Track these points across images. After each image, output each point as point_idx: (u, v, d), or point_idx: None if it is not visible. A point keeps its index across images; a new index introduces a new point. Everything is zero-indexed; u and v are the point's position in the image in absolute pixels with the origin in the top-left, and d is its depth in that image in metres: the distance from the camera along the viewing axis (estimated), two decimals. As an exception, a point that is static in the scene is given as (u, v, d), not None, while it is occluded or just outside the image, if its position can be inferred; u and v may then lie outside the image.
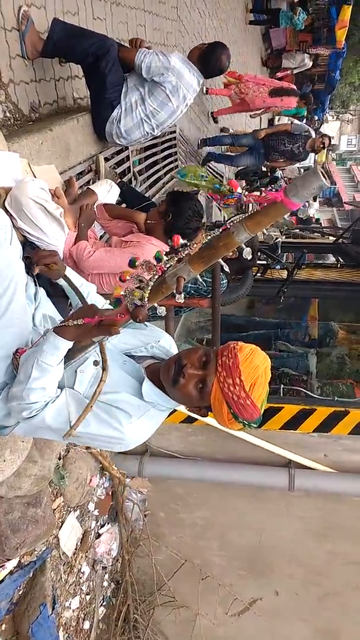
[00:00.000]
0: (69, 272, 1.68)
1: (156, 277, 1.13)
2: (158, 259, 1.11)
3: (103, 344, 1.30)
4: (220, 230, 1.14)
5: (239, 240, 1.13)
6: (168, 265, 1.12)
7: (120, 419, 1.38)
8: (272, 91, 6.54)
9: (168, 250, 1.13)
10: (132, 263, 1.12)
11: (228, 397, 1.35)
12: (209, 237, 1.15)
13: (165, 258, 1.11)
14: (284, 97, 6.56)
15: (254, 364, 1.37)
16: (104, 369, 1.25)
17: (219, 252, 1.17)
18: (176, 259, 1.12)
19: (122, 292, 1.13)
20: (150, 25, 4.88)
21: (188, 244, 1.13)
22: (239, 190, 1.06)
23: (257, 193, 1.11)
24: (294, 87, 7.24)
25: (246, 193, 1.07)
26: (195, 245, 1.14)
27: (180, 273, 1.19)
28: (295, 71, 13.18)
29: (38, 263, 1.60)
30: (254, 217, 1.09)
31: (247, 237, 1.12)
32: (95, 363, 1.38)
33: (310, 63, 12.78)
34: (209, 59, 3.15)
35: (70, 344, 1.29)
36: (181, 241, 1.12)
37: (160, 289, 1.22)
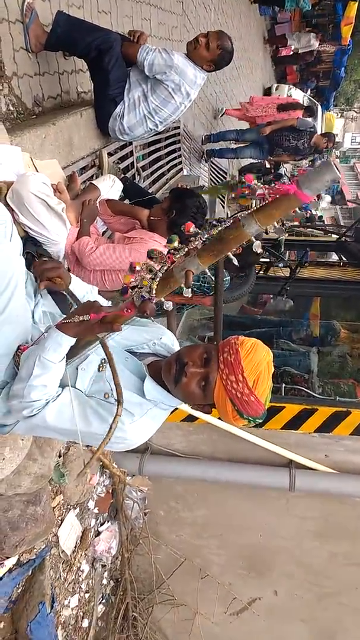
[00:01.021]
0: (74, 281, 1.63)
1: (165, 268, 1.10)
2: (170, 240, 1.08)
3: (114, 364, 1.27)
4: (230, 221, 1.12)
5: (250, 233, 1.10)
6: (177, 256, 1.10)
7: (122, 417, 1.36)
8: (279, 107, 6.99)
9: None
10: (150, 253, 1.09)
11: (232, 395, 1.33)
12: (218, 230, 1.12)
13: (177, 244, 1.08)
14: (290, 111, 6.89)
15: (256, 359, 1.35)
16: (119, 402, 1.21)
17: (229, 245, 1.14)
18: (185, 249, 1.10)
19: (132, 280, 1.10)
20: (155, 19, 4.84)
21: (199, 232, 1.10)
22: (254, 181, 1.03)
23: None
24: (299, 100, 7.65)
25: (260, 184, 1.04)
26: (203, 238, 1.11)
27: (189, 266, 1.16)
28: (300, 51, 12.90)
29: (42, 278, 1.54)
30: (265, 209, 1.07)
31: (257, 229, 1.10)
32: (106, 395, 1.36)
33: (317, 43, 12.46)
34: (219, 60, 3.07)
35: (72, 341, 1.27)
36: (192, 229, 1.09)
37: (168, 282, 1.19)
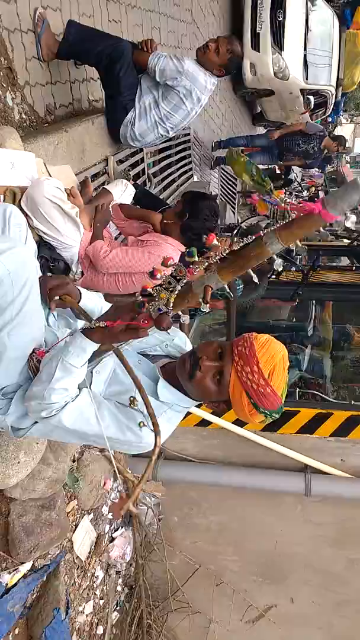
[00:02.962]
0: (85, 294, 1.58)
1: (184, 281, 1.09)
2: (190, 253, 1.07)
3: (145, 395, 1.23)
4: (253, 238, 1.10)
5: (272, 251, 1.09)
6: (197, 269, 1.09)
7: (138, 421, 1.35)
8: None
9: (185, 250, 1.10)
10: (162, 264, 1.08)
11: (247, 386, 1.33)
12: (240, 245, 1.10)
13: (197, 258, 1.07)
14: None
15: (271, 352, 1.34)
16: (156, 433, 1.13)
17: (250, 262, 1.14)
18: (205, 264, 1.09)
19: (150, 289, 1.09)
20: (165, 27, 4.89)
21: (218, 244, 1.09)
22: (281, 196, 1.02)
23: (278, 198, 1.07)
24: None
25: (287, 200, 1.03)
26: (224, 251, 1.09)
27: (208, 282, 1.16)
28: None
29: (50, 297, 1.49)
30: (288, 227, 1.05)
31: (280, 248, 1.09)
32: (141, 424, 1.35)
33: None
34: (229, 64, 3.08)
35: (96, 346, 1.27)
36: (214, 242, 1.08)
37: (186, 296, 1.19)
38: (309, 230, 1.04)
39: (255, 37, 7.72)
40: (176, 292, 1.07)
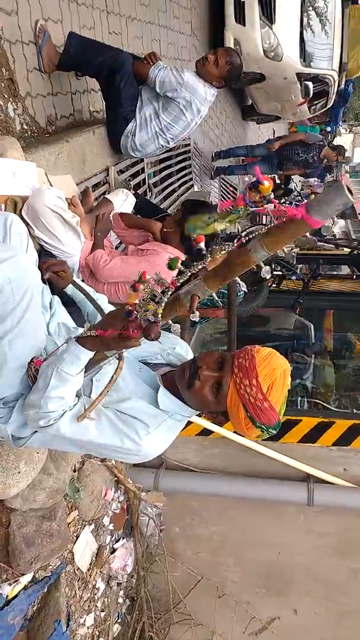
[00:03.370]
0: (77, 280, 1.70)
1: (170, 292, 1.09)
2: (170, 266, 1.07)
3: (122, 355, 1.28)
4: (236, 244, 1.10)
5: (257, 259, 1.08)
6: (181, 281, 1.09)
7: (137, 429, 1.35)
8: None
9: (184, 258, 1.11)
10: (140, 279, 1.08)
11: (244, 400, 1.31)
12: (223, 251, 1.10)
13: (181, 267, 1.08)
14: None
15: (272, 366, 1.33)
16: (119, 358, 1.25)
17: (236, 270, 1.13)
18: (189, 273, 1.09)
19: (137, 301, 1.09)
20: (165, 39, 4.94)
21: (204, 249, 1.09)
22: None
23: (271, 205, 1.05)
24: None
25: (271, 207, 1.01)
26: (210, 262, 1.10)
27: (195, 290, 1.16)
28: None
29: (46, 270, 1.63)
30: (272, 234, 1.04)
31: (264, 255, 1.08)
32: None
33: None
34: (228, 76, 3.10)
35: (90, 354, 1.27)
36: (201, 245, 1.08)
37: (174, 306, 1.18)
38: (293, 236, 1.02)
39: (240, 6, 6.13)
40: (163, 304, 1.07)
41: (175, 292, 1.15)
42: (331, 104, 8.84)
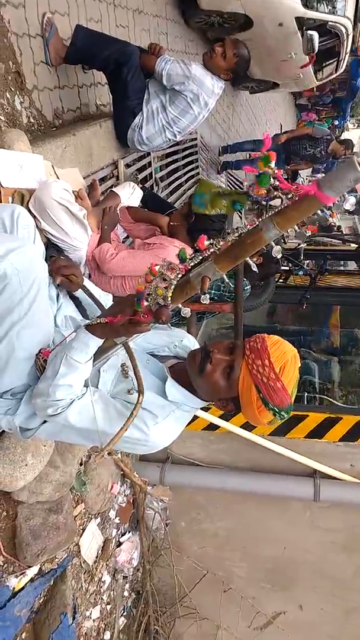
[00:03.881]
0: (87, 284, 1.67)
1: (180, 276, 1.09)
2: (182, 258, 1.07)
3: (134, 359, 1.28)
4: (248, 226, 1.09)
5: (268, 238, 1.08)
6: (192, 264, 1.09)
7: (145, 419, 1.35)
8: None
9: (192, 252, 1.10)
10: (151, 272, 1.08)
11: (257, 380, 1.32)
12: (236, 235, 1.10)
13: (189, 258, 1.07)
14: None
15: (283, 349, 1.35)
16: (140, 392, 1.23)
17: (247, 250, 1.12)
18: (200, 257, 1.08)
19: (145, 289, 1.09)
20: (172, 32, 4.91)
21: (213, 242, 1.09)
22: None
23: (278, 200, 1.05)
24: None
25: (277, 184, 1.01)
26: (222, 244, 1.10)
27: (206, 272, 1.15)
28: None
29: (57, 273, 1.60)
30: (285, 212, 1.03)
31: (276, 234, 1.07)
32: (130, 391, 1.38)
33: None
34: (236, 68, 3.08)
35: (100, 342, 1.27)
36: (206, 242, 1.08)
37: (185, 289, 1.18)
38: (305, 213, 1.01)
39: None
40: (172, 287, 1.06)
41: (186, 274, 1.14)
42: (342, 69, 6.74)
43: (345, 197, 1.05)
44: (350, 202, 1.06)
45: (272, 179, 0.98)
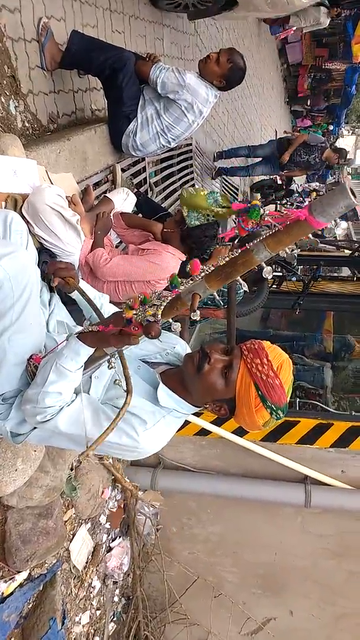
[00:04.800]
0: (83, 285, 1.68)
1: (169, 298, 1.10)
2: (174, 285, 1.08)
3: (125, 361, 1.28)
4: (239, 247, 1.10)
5: (259, 259, 1.09)
6: (181, 288, 1.10)
7: (135, 425, 1.35)
8: None
9: (185, 259, 1.11)
10: (145, 301, 1.09)
11: (256, 377, 1.35)
12: (226, 257, 1.11)
13: (181, 286, 1.09)
14: None
15: (278, 351, 1.40)
16: (128, 391, 1.23)
17: (238, 270, 1.13)
18: (190, 282, 1.10)
19: (134, 312, 1.10)
20: (168, 39, 4.93)
21: (204, 269, 1.10)
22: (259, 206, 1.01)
23: (272, 206, 1.06)
24: None
25: (267, 211, 1.02)
26: (213, 265, 1.11)
27: (196, 289, 1.16)
28: (305, 30, 9.91)
29: (55, 275, 1.61)
30: (276, 235, 1.05)
31: (267, 255, 1.08)
32: (117, 382, 1.37)
33: (328, 21, 8.69)
34: (230, 75, 3.10)
35: (90, 351, 1.28)
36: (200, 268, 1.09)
37: (175, 304, 1.19)
38: (296, 237, 1.03)
39: None
40: (162, 307, 1.08)
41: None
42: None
43: (337, 222, 1.05)
44: (342, 227, 1.07)
45: (261, 210, 0.99)
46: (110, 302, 1.85)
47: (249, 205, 1.01)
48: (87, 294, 1.56)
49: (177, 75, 2.94)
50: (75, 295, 1.67)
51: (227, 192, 7.54)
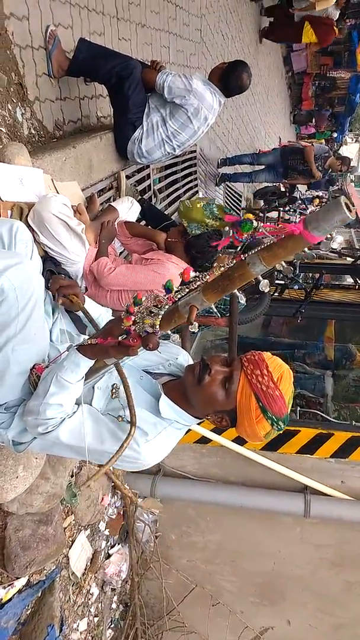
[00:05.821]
0: (88, 303, 1.69)
1: (167, 306, 1.11)
2: (168, 289, 1.09)
3: (124, 376, 1.29)
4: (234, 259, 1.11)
5: (255, 272, 1.09)
6: (179, 296, 1.11)
7: (136, 437, 1.35)
8: None
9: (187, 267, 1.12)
10: (136, 301, 1.10)
11: (257, 389, 1.35)
12: (222, 268, 1.12)
13: (175, 290, 1.09)
14: None
15: (278, 362, 1.41)
16: (132, 423, 1.25)
17: (234, 283, 1.14)
18: (187, 289, 1.11)
19: (132, 321, 1.11)
20: (174, 46, 4.96)
21: (198, 276, 1.11)
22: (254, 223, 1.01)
23: (275, 213, 1.07)
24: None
25: (261, 225, 1.03)
26: (209, 277, 1.12)
27: (193, 302, 1.17)
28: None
29: (59, 293, 1.62)
30: (271, 249, 1.05)
31: (262, 269, 1.09)
32: (120, 419, 1.39)
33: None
34: (230, 79, 3.15)
35: (91, 362, 1.28)
36: (192, 274, 1.10)
37: (173, 317, 1.19)
38: (291, 251, 1.03)
39: None
40: (160, 316, 1.08)
41: (174, 304, 1.16)
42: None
43: (333, 236, 1.06)
44: (337, 241, 1.08)
45: (255, 222, 1.00)
46: (114, 311, 1.86)
47: (242, 218, 1.02)
48: (90, 315, 1.56)
49: (183, 80, 2.96)
50: (79, 313, 1.67)
51: (230, 199, 7.56)
